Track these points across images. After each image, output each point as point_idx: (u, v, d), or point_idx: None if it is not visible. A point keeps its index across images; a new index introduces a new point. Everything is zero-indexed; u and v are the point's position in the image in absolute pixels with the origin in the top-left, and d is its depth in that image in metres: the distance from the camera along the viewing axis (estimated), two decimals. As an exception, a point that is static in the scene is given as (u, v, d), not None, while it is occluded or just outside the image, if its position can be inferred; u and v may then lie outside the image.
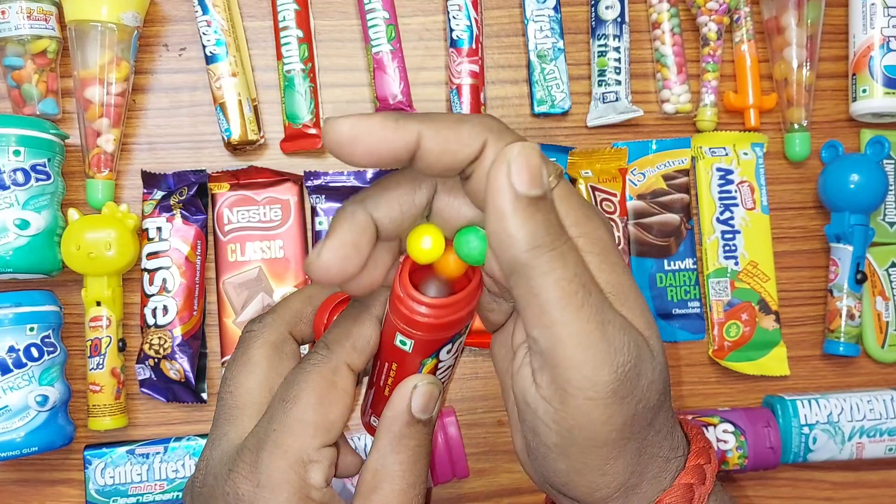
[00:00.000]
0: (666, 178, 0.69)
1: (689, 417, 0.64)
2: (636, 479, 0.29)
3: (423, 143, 0.26)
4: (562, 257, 0.26)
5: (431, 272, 0.29)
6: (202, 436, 0.62)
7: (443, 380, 0.32)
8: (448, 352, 0.31)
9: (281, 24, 0.65)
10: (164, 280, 0.62)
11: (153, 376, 0.62)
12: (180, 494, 0.60)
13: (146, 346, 0.62)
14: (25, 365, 0.59)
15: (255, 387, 0.31)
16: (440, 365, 0.31)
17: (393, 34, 0.65)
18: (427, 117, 0.27)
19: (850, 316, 0.67)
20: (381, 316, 0.31)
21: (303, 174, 0.66)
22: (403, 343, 0.30)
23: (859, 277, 0.67)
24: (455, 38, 0.66)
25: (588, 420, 0.27)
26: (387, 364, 0.31)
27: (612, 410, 0.27)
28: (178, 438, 0.62)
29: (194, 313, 0.63)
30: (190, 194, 0.63)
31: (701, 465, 0.30)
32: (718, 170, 0.69)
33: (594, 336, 0.26)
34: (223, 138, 0.64)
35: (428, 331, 0.29)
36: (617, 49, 0.67)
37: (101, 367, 0.61)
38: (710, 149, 0.69)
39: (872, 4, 0.67)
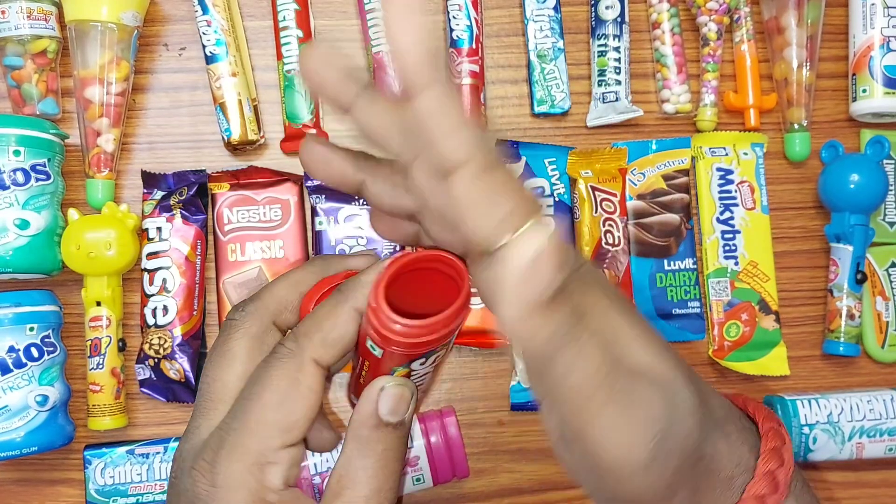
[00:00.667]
0: (666, 178, 0.69)
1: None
2: None
3: (366, 188, 0.30)
4: None
5: (413, 286, 0.29)
6: None
7: (419, 384, 0.31)
8: (422, 364, 0.30)
9: (281, 24, 0.65)
10: (164, 280, 0.62)
11: (153, 376, 0.62)
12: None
13: (146, 346, 0.62)
14: (25, 365, 0.59)
15: (233, 380, 0.30)
16: (413, 374, 0.30)
17: (393, 34, 0.65)
18: (375, 169, 0.30)
19: (850, 316, 0.67)
20: (362, 308, 0.30)
21: (303, 174, 0.66)
22: (374, 349, 0.29)
23: (859, 277, 0.67)
24: (455, 38, 0.66)
25: (632, 489, 0.27)
26: (361, 359, 0.30)
27: (653, 476, 0.26)
28: (178, 438, 0.62)
29: (194, 313, 0.63)
30: (190, 194, 0.63)
31: (772, 471, 0.29)
32: (718, 170, 0.69)
33: (621, 426, 0.26)
34: (223, 138, 0.64)
35: (399, 347, 0.28)
36: (617, 49, 0.67)
37: (101, 367, 0.61)
38: (710, 149, 0.69)
39: (872, 4, 0.67)
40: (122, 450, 0.61)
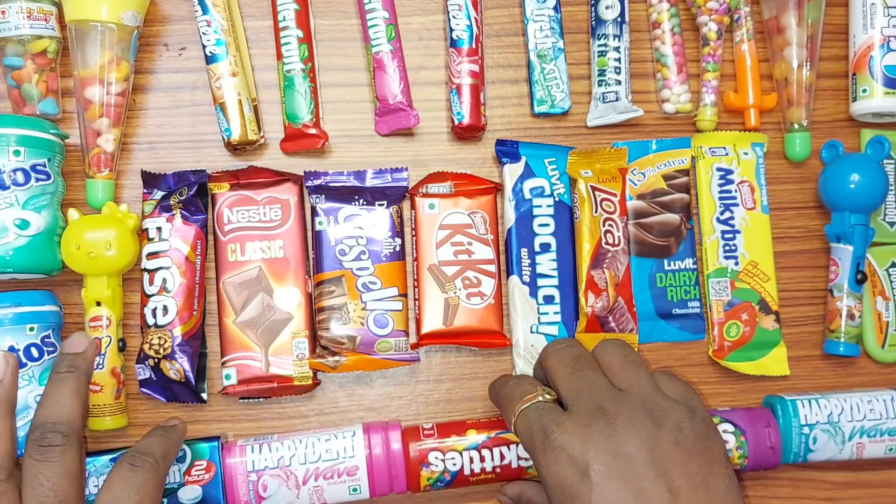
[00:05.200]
0: (666, 177, 0.69)
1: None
2: None
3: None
4: None
5: None
6: (202, 439, 0.62)
7: None
8: None
9: (281, 24, 0.65)
10: (164, 280, 0.62)
11: (153, 376, 0.62)
12: (165, 501, 0.60)
13: (146, 346, 0.62)
14: (25, 365, 0.59)
15: None
16: None
17: (393, 34, 0.65)
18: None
19: (851, 316, 0.67)
20: None
21: (303, 174, 0.66)
22: None
23: (859, 277, 0.67)
24: (455, 37, 0.66)
25: None
26: None
27: None
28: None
29: (194, 313, 0.63)
30: (190, 194, 0.63)
31: None
32: (718, 169, 0.69)
33: None
34: (223, 138, 0.64)
35: None
36: (617, 49, 0.67)
37: (101, 367, 0.61)
38: (710, 148, 0.69)
39: (872, 4, 0.67)
40: (106, 458, 0.60)
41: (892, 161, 0.70)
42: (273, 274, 0.64)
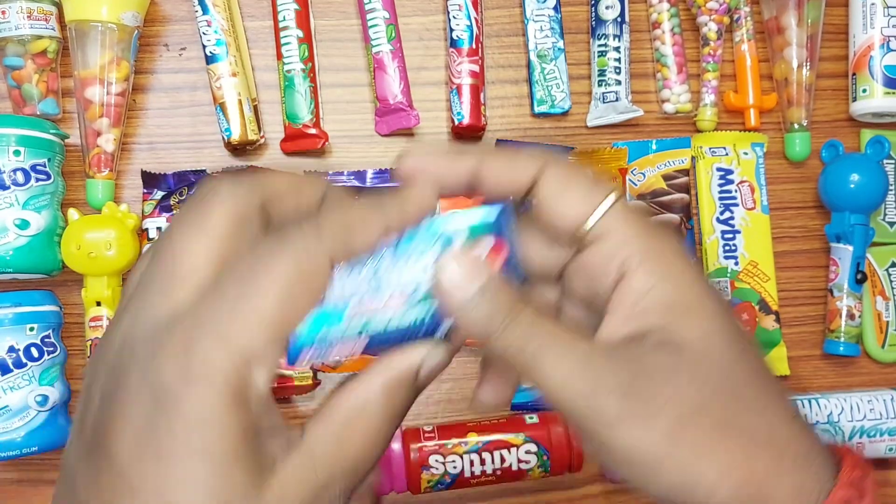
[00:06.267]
0: (666, 178, 0.69)
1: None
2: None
3: (481, 173, 0.29)
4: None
5: None
6: None
7: None
8: None
9: (281, 24, 0.65)
10: (164, 280, 0.62)
11: (153, 376, 0.62)
12: None
13: (146, 346, 0.62)
14: (25, 365, 0.59)
15: (205, 255, 0.24)
16: None
17: (393, 34, 0.65)
18: (486, 150, 0.30)
19: (851, 316, 0.67)
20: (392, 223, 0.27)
21: (302, 174, 0.65)
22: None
23: (859, 277, 0.66)
24: (455, 37, 0.66)
25: None
26: None
27: None
28: None
29: (194, 313, 0.63)
30: (190, 194, 0.63)
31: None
32: (718, 170, 0.69)
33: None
34: (223, 138, 0.64)
35: None
36: (617, 49, 0.67)
37: (101, 367, 0.61)
38: (710, 149, 0.69)
39: (872, 4, 0.67)
40: None
41: (892, 161, 0.70)
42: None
